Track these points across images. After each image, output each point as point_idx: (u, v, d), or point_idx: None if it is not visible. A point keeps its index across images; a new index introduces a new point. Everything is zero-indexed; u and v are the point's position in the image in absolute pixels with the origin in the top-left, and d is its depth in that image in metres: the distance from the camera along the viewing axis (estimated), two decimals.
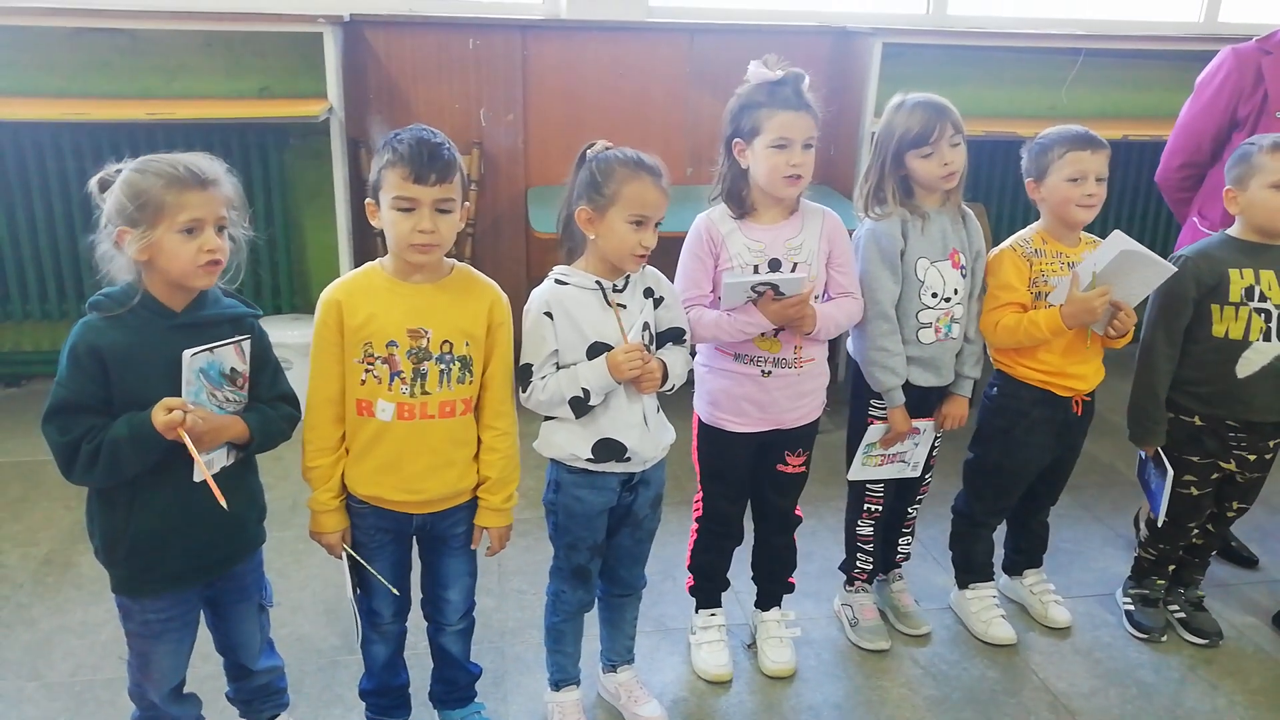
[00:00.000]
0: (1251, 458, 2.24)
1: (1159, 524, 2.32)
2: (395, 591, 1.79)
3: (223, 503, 1.50)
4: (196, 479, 1.52)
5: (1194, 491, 2.27)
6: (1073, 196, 2.10)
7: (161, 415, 1.45)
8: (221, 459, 1.58)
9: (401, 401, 1.66)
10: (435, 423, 1.68)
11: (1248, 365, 2.15)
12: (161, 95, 3.42)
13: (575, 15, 3.54)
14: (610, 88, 3.63)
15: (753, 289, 1.88)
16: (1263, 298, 2.13)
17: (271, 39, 3.40)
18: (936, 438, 2.26)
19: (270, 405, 1.64)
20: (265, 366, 1.64)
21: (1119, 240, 2.01)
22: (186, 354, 1.47)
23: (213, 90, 3.46)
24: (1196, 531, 2.34)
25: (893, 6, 3.99)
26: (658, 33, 3.63)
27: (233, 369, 1.57)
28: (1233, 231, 2.21)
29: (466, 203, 1.64)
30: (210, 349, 1.52)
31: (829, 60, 3.69)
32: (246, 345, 1.59)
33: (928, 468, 2.30)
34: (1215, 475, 2.27)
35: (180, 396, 1.48)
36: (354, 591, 1.77)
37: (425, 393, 1.66)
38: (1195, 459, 2.26)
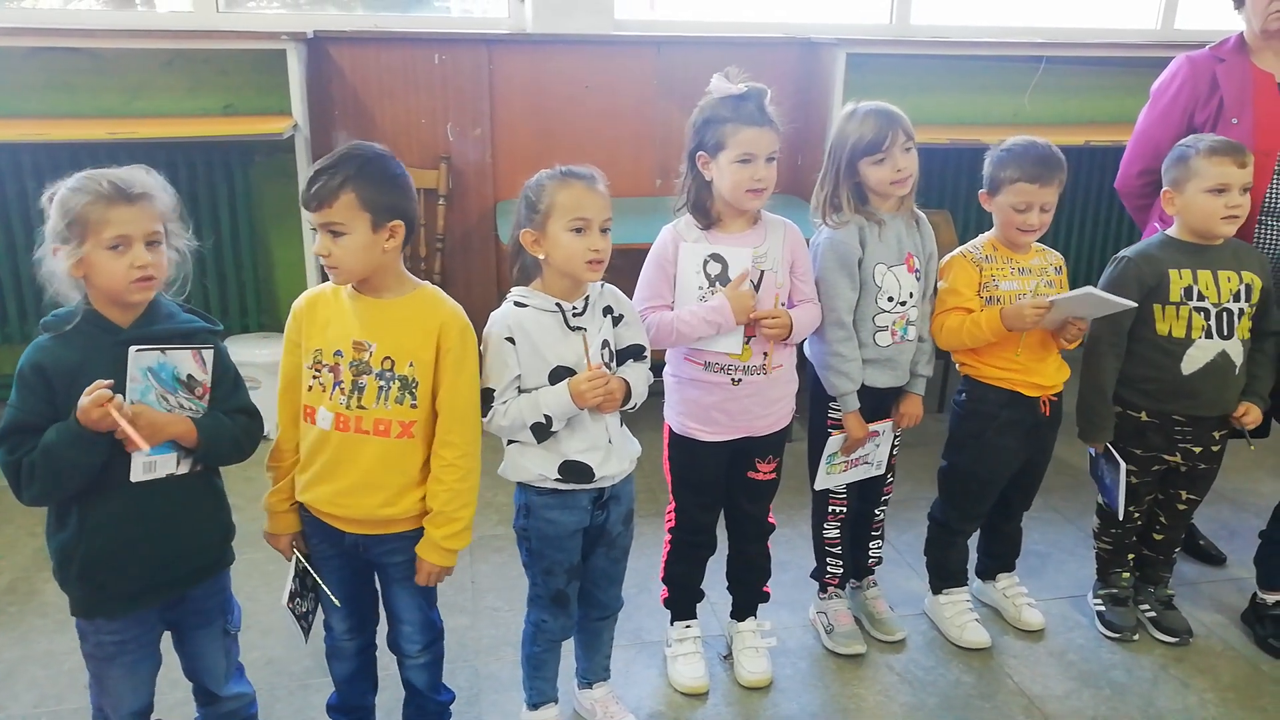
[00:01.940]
0: (1197, 450, 2.28)
1: (1120, 517, 2.35)
2: (336, 602, 1.77)
3: (142, 446, 1.42)
4: (130, 450, 1.47)
5: (1133, 480, 2.32)
6: (1014, 220, 2.16)
7: (86, 399, 1.41)
8: (170, 464, 1.55)
9: (339, 412, 1.64)
10: (369, 440, 1.65)
11: (1192, 362, 2.19)
12: (123, 114, 3.38)
13: (541, 29, 3.54)
14: (578, 100, 3.63)
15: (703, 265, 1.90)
16: (1200, 297, 2.18)
17: (235, 56, 3.37)
18: (896, 437, 2.29)
19: (229, 416, 1.61)
20: (224, 379, 1.61)
21: (1086, 289, 2.09)
22: (132, 349, 1.45)
23: (176, 109, 3.42)
24: (1138, 516, 2.38)
25: (857, 17, 4.02)
26: (624, 45, 3.64)
27: (190, 376, 1.54)
28: (1171, 232, 2.26)
29: (395, 222, 1.59)
30: (162, 349, 1.49)
31: (794, 71, 3.71)
32: (208, 355, 1.56)
33: (889, 468, 2.32)
34: (1156, 467, 2.32)
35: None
36: (291, 600, 1.75)
37: (361, 407, 1.64)
38: (1138, 452, 2.30)
